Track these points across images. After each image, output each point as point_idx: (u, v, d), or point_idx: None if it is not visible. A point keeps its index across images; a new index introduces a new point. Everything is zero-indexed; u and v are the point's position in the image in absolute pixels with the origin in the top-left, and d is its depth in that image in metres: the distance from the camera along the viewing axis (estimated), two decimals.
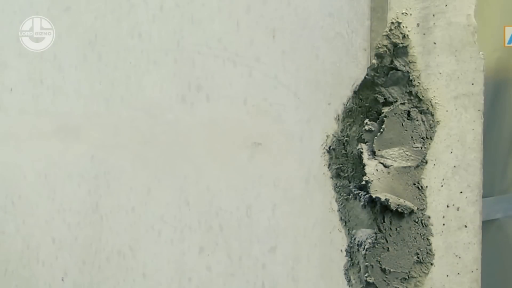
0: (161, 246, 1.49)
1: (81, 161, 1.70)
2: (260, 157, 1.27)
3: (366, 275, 1.09)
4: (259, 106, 1.26)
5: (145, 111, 1.51)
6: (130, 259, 1.57)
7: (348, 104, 1.13)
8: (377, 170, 1.07)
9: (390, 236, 1.08)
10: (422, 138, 1.08)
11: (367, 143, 1.09)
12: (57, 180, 1.78)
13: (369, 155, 1.08)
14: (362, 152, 1.09)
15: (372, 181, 1.07)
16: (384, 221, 1.08)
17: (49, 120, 1.79)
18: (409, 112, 1.08)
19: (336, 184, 1.15)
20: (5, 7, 1.90)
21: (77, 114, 1.70)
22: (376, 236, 1.08)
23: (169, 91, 1.44)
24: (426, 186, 1.07)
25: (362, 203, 1.10)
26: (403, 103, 1.08)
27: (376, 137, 1.07)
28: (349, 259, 1.14)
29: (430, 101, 1.08)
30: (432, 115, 1.09)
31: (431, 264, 1.09)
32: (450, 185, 1.09)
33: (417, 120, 1.08)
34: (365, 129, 1.08)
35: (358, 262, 1.11)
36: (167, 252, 1.48)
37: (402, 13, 1.05)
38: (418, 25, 1.05)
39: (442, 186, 1.09)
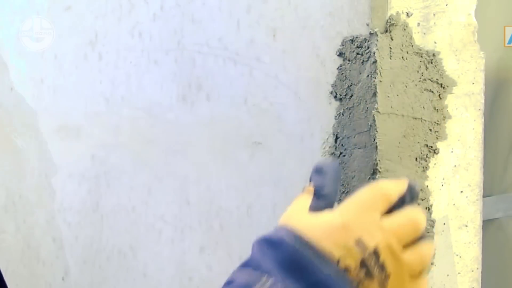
0: (162, 245, 1.49)
1: (82, 160, 1.69)
2: (261, 157, 1.27)
3: None
4: (259, 105, 1.26)
5: (145, 111, 1.51)
6: (130, 258, 1.57)
7: None
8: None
9: None
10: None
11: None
12: (58, 180, 1.78)
13: None
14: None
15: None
16: None
17: (50, 119, 1.79)
18: None
19: None
20: (5, 7, 1.90)
21: (77, 114, 1.70)
22: None
23: (170, 91, 1.44)
24: (427, 186, 1.07)
25: None
26: None
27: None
28: None
29: None
30: None
31: (432, 263, 1.09)
32: (451, 185, 1.09)
33: None
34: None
35: None
36: (168, 251, 1.48)
37: (403, 13, 1.05)
38: (418, 24, 1.05)
39: (442, 185, 1.09)
